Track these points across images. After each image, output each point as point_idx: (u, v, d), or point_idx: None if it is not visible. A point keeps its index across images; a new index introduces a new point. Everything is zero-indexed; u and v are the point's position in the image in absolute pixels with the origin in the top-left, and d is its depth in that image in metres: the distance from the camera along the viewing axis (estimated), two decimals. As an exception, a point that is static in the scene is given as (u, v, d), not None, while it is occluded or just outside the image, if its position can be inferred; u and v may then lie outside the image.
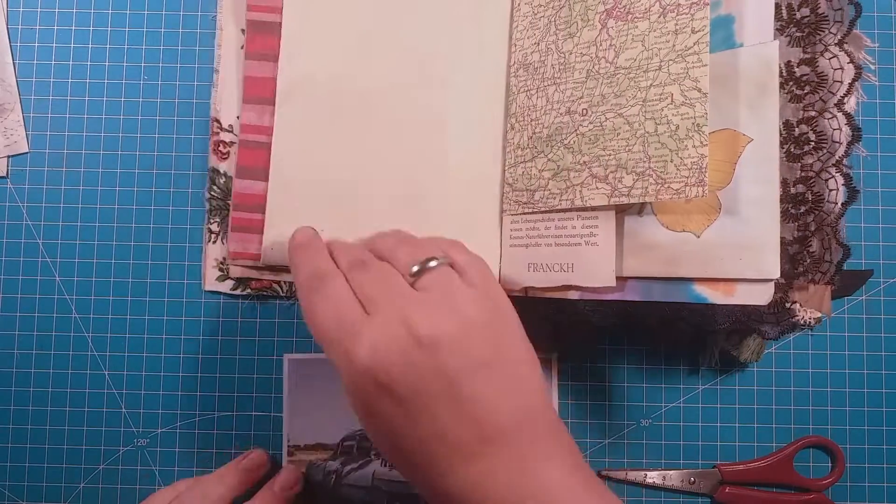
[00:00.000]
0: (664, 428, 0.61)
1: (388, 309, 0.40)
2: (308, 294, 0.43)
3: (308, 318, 0.43)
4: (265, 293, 0.61)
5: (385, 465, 0.61)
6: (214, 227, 0.61)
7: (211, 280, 0.61)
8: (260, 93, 0.59)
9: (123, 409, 0.61)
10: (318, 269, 0.44)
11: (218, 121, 0.60)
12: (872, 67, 0.49)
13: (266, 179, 0.58)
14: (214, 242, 0.61)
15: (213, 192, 0.60)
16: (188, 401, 0.61)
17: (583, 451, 0.61)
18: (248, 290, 0.61)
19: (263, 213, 0.58)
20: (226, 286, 0.61)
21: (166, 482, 0.61)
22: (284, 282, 0.60)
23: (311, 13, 0.59)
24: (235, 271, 0.60)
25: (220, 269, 0.60)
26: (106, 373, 0.61)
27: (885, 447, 0.60)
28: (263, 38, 0.59)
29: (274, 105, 0.58)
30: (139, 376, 0.61)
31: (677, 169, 0.47)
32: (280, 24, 0.59)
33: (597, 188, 0.51)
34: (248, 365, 0.62)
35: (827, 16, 0.48)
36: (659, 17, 0.49)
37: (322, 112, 0.58)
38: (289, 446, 0.61)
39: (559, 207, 0.53)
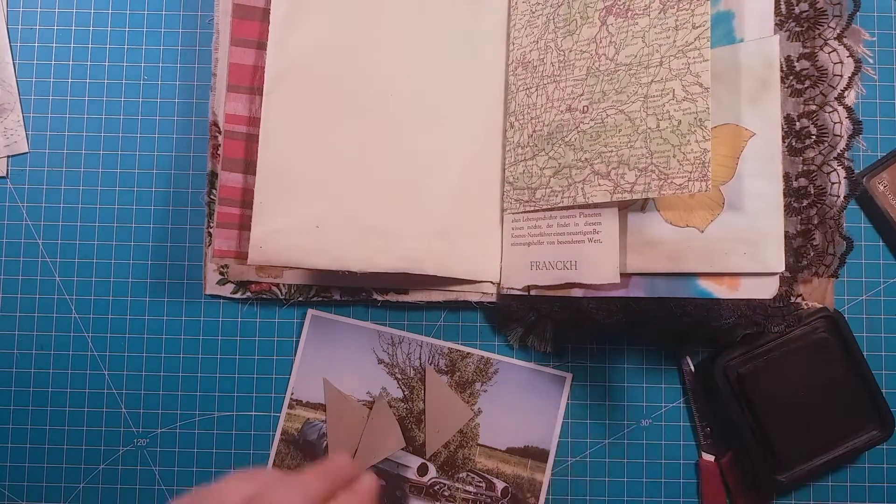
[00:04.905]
0: (664, 428, 0.61)
1: None
2: None
3: None
4: (265, 295, 0.61)
5: None
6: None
7: (211, 284, 0.61)
8: (246, 81, 0.58)
9: (123, 409, 0.61)
10: None
11: (216, 125, 0.59)
12: (871, 61, 0.49)
13: (254, 172, 0.55)
14: (215, 244, 0.61)
15: (212, 196, 0.60)
16: (188, 401, 0.61)
17: (583, 451, 0.61)
18: (248, 294, 0.61)
19: (251, 208, 0.54)
20: (226, 290, 0.60)
21: (166, 482, 0.61)
22: (284, 284, 0.60)
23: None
24: (235, 274, 0.60)
25: (221, 273, 0.60)
26: (106, 373, 0.61)
27: (885, 447, 0.60)
28: (250, 23, 0.57)
29: (261, 94, 0.55)
30: (139, 376, 0.61)
31: (680, 164, 0.47)
32: (268, 9, 0.56)
33: (599, 185, 0.51)
34: (248, 365, 0.61)
35: (826, 10, 0.49)
36: (659, 13, 0.49)
37: (314, 101, 0.56)
38: (291, 399, 0.61)
39: (561, 205, 0.53)
